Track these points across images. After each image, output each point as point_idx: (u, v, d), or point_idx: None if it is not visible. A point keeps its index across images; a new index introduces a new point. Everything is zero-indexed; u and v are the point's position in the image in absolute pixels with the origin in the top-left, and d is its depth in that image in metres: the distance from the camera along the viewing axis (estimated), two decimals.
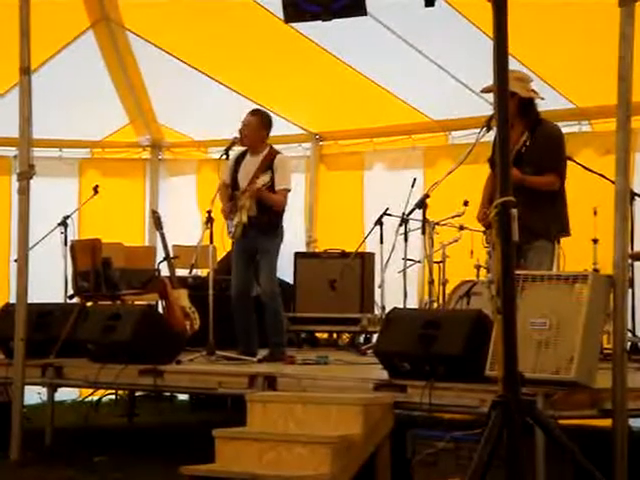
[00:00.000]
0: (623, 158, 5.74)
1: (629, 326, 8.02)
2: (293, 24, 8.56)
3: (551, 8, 8.62)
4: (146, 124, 12.03)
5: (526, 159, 6.82)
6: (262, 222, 8.20)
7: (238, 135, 8.44)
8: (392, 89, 10.39)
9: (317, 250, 11.28)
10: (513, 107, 6.71)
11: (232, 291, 8.37)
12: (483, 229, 7.24)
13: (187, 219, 11.46)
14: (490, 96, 5.62)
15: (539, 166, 6.85)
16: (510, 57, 4.40)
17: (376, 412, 6.09)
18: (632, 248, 8.14)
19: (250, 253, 8.33)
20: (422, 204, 8.54)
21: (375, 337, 8.52)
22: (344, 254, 10.31)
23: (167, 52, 10.66)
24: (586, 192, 8.66)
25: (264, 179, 8.13)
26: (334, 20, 6.80)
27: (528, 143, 6.90)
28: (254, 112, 8.53)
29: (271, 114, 8.71)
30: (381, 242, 9.67)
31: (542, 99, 7.08)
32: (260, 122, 8.37)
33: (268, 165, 8.25)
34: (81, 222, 10.87)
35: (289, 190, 8.30)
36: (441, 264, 9.57)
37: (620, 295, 5.73)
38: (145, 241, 11.95)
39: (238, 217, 8.22)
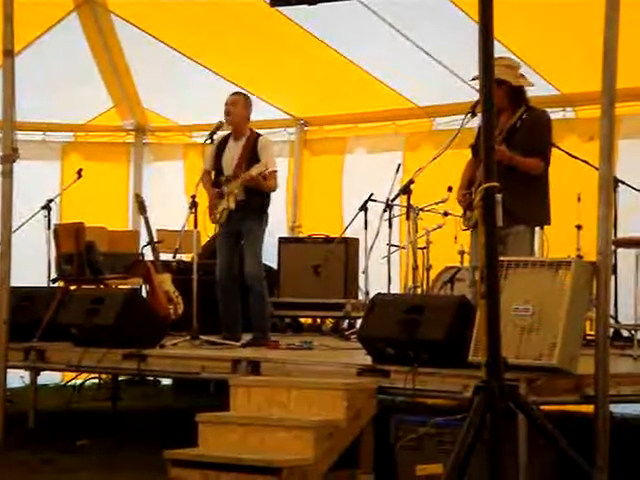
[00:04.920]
0: (607, 145, 5.74)
1: (612, 312, 8.04)
2: (279, 8, 8.54)
3: None
4: (130, 108, 11.98)
5: (513, 142, 6.80)
6: (249, 205, 8.20)
7: (223, 120, 8.44)
8: (377, 75, 10.37)
9: (301, 235, 11.27)
10: (504, 95, 6.74)
11: (217, 274, 8.36)
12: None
13: (171, 203, 11.43)
14: (477, 83, 5.62)
15: (526, 149, 6.83)
16: (495, 43, 4.39)
17: (359, 397, 6.10)
18: (615, 235, 8.16)
19: (235, 236, 8.32)
20: (407, 190, 8.53)
21: (359, 322, 8.52)
22: (328, 239, 10.31)
23: (152, 36, 10.62)
24: (570, 178, 8.67)
25: (260, 169, 8.11)
26: (320, 4, 6.78)
27: (518, 125, 6.87)
28: (237, 93, 8.63)
29: (256, 99, 8.71)
30: (365, 227, 9.66)
31: (532, 85, 7.08)
32: (245, 101, 8.42)
33: (252, 148, 8.25)
34: (64, 206, 10.82)
35: (277, 171, 8.37)
36: (425, 250, 9.57)
37: (603, 282, 5.74)
38: (129, 225, 11.92)
39: (225, 203, 8.22)
